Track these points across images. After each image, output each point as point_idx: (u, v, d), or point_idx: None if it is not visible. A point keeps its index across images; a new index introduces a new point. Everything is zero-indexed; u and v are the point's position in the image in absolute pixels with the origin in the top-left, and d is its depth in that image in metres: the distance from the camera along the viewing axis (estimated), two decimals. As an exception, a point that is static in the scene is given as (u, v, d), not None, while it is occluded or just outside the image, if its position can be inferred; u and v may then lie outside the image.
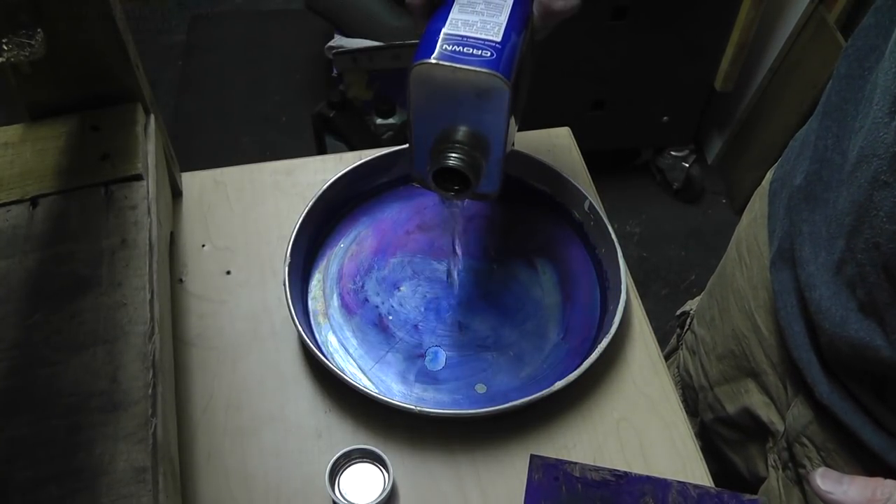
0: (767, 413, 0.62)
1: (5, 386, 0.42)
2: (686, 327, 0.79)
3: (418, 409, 0.51)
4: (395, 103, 1.59)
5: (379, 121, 1.58)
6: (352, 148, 1.49)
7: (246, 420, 0.55)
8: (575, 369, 0.53)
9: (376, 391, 0.53)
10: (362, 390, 0.52)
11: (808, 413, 0.55)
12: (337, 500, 0.49)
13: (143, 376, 0.42)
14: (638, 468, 0.53)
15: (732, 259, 0.68)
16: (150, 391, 0.42)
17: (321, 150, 1.60)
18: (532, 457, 0.48)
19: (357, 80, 1.60)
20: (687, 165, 1.80)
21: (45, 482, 0.38)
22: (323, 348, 0.57)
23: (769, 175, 0.66)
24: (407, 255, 0.64)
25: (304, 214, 0.61)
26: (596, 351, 0.53)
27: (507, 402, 0.51)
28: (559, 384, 0.52)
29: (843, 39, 1.44)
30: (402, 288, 0.61)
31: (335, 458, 0.50)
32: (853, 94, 0.47)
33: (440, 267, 0.63)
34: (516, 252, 0.64)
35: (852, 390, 0.49)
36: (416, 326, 0.59)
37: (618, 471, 0.47)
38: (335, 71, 1.66)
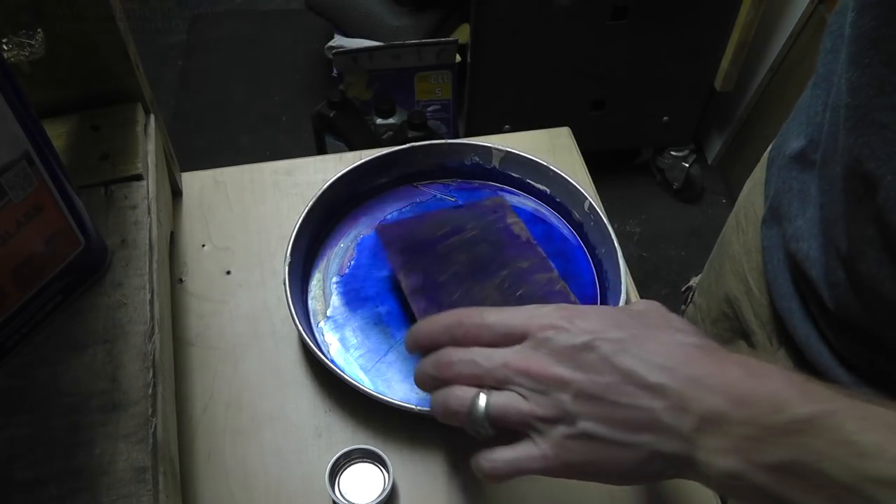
0: None
1: (5, 386, 0.42)
2: (689, 301, 0.80)
3: (418, 409, 0.51)
4: (395, 103, 1.59)
5: (379, 121, 1.58)
6: (352, 148, 1.49)
7: (246, 420, 0.55)
8: None
9: (376, 391, 0.53)
10: (363, 390, 0.52)
11: (789, 363, 0.56)
12: (337, 500, 0.49)
13: (143, 376, 0.42)
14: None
15: (731, 226, 0.69)
16: (150, 391, 0.42)
17: (321, 149, 1.60)
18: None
19: (357, 80, 1.60)
20: (687, 165, 1.80)
21: (45, 482, 0.38)
22: (323, 348, 0.57)
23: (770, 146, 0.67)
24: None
25: (304, 214, 0.61)
26: None
27: None
28: None
29: (843, 39, 1.44)
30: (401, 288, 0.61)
31: (335, 458, 0.50)
32: (836, 65, 0.48)
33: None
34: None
35: (828, 337, 0.51)
36: None
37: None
38: (335, 71, 1.66)
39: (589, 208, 0.62)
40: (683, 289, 0.83)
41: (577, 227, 0.65)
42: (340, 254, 0.64)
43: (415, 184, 0.68)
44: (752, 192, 0.66)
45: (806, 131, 0.52)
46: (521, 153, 0.66)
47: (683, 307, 0.82)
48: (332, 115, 1.52)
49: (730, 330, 0.67)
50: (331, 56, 1.63)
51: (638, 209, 1.82)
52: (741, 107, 1.75)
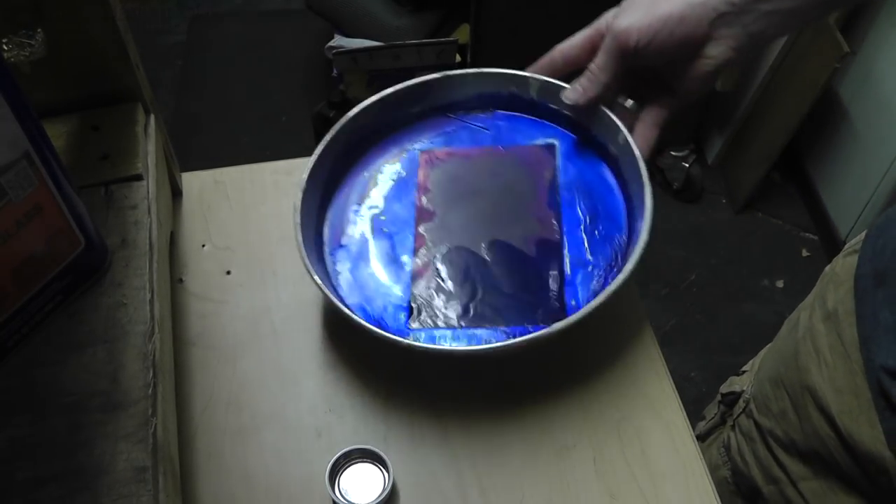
0: None
1: (5, 386, 0.42)
2: (740, 410, 0.74)
3: (408, 341, 0.51)
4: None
5: (379, 121, 1.58)
6: (352, 148, 1.48)
7: (246, 420, 0.55)
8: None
9: (379, 327, 0.52)
10: (364, 325, 0.51)
11: None
12: (337, 500, 0.49)
13: (143, 376, 0.42)
14: (638, 468, 0.53)
15: (807, 352, 0.62)
16: (150, 391, 0.42)
17: (321, 150, 1.60)
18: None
19: (357, 80, 1.60)
20: (687, 165, 1.80)
21: (45, 482, 0.38)
22: (332, 277, 0.56)
23: (841, 261, 0.61)
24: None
25: (325, 143, 0.59)
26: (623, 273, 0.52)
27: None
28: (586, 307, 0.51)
29: (843, 39, 1.44)
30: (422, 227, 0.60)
31: (335, 458, 0.50)
32: None
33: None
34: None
35: None
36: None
37: None
38: (335, 71, 1.66)
39: (623, 141, 0.59)
40: (725, 391, 0.77)
41: (614, 161, 0.61)
42: (364, 182, 0.62)
43: (449, 114, 0.66)
44: (835, 321, 0.59)
45: None
46: (558, 83, 0.61)
47: (723, 408, 0.76)
48: (332, 115, 1.52)
49: (825, 468, 0.61)
50: (331, 56, 1.63)
51: (638, 209, 1.82)
52: (741, 107, 1.75)
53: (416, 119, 0.65)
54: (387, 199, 0.62)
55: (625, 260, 0.55)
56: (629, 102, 0.60)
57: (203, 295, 0.61)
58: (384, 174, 0.63)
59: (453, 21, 1.75)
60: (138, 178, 0.52)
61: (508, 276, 0.57)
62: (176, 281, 0.62)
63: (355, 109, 0.62)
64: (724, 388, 0.77)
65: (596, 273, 0.57)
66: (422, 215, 0.60)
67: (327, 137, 0.60)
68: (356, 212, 0.61)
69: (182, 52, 2.23)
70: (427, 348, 0.52)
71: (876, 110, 1.48)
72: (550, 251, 0.58)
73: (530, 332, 0.51)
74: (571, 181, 0.62)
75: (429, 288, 0.56)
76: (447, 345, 0.53)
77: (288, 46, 2.23)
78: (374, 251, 0.59)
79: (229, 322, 0.60)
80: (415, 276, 0.57)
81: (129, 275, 0.47)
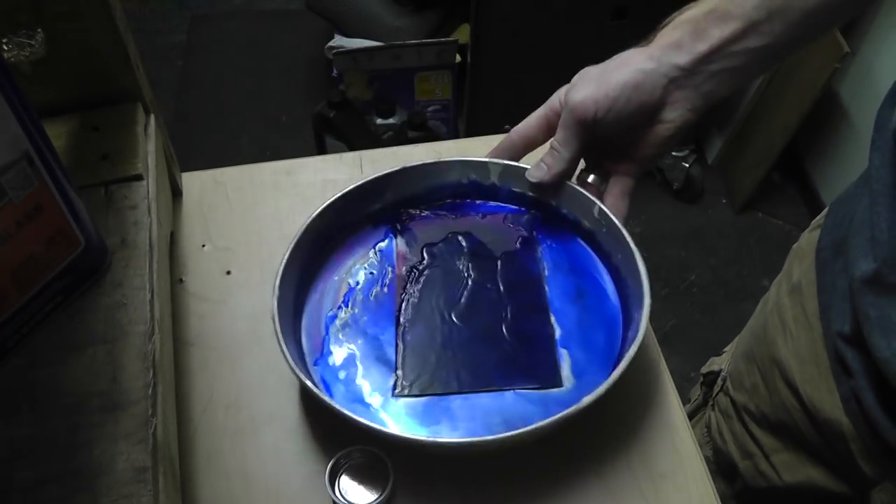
0: (838, 487, 0.60)
1: (5, 386, 0.42)
2: (718, 388, 0.75)
3: (430, 439, 0.49)
4: (395, 103, 1.59)
5: (379, 121, 1.58)
6: (352, 148, 1.48)
7: (246, 420, 0.55)
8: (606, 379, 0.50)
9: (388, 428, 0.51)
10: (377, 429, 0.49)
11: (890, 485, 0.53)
12: (337, 500, 0.49)
13: (143, 376, 0.42)
14: (638, 469, 0.53)
15: (774, 325, 0.64)
16: (150, 391, 0.42)
17: (321, 150, 1.60)
18: None
19: (357, 80, 1.60)
20: (687, 165, 1.80)
21: (45, 482, 0.38)
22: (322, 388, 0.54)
23: (806, 236, 0.63)
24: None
25: (290, 248, 0.56)
26: (627, 356, 0.50)
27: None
28: (587, 399, 0.48)
29: (843, 39, 1.44)
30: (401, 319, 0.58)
31: (335, 458, 0.50)
32: (894, 181, 0.46)
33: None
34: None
35: None
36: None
37: None
38: (335, 71, 1.66)
39: (599, 214, 0.58)
40: (705, 371, 0.79)
41: (589, 236, 0.60)
42: (335, 287, 0.59)
43: (411, 210, 0.63)
44: (798, 294, 0.61)
45: (874, 252, 0.48)
46: (520, 165, 0.61)
47: (705, 389, 0.79)
48: (332, 115, 1.52)
49: (793, 440, 0.63)
50: (331, 56, 1.63)
51: (638, 209, 1.82)
52: (741, 107, 1.75)
53: (378, 216, 0.63)
54: (361, 298, 0.59)
55: (627, 323, 0.55)
56: (591, 178, 0.60)
57: (203, 295, 0.61)
58: (354, 275, 0.60)
59: (453, 21, 1.75)
60: (138, 178, 0.52)
61: (501, 340, 0.56)
62: (176, 281, 0.62)
63: (315, 211, 0.58)
64: (704, 369, 0.80)
65: (594, 341, 0.56)
66: (402, 281, 0.59)
67: (293, 241, 0.56)
68: (332, 319, 0.57)
69: (182, 52, 2.23)
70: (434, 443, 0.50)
71: (876, 110, 1.48)
72: (539, 315, 0.57)
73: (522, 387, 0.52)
74: (548, 256, 0.61)
75: (410, 355, 0.55)
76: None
77: (288, 46, 2.23)
78: (360, 356, 0.56)
79: (229, 322, 0.60)
80: (398, 346, 0.56)
81: (129, 275, 0.47)
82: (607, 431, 0.54)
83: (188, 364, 0.57)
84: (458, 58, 1.58)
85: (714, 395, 0.77)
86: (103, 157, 0.53)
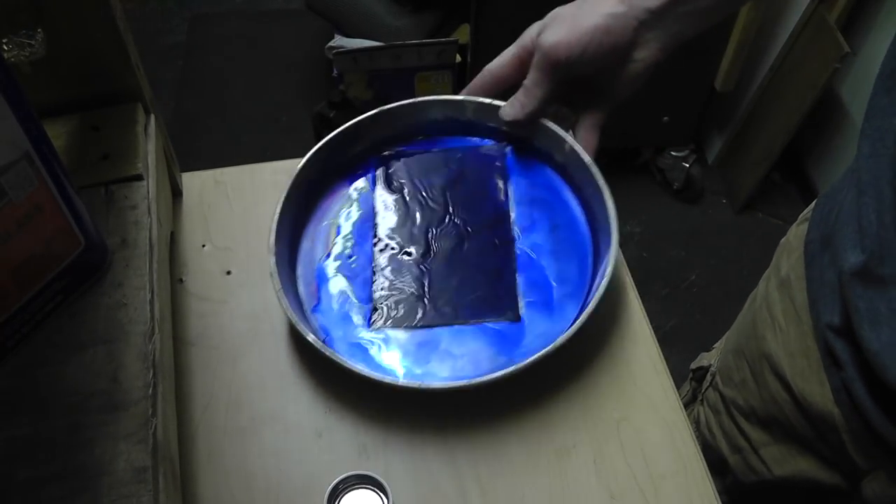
0: (829, 477, 0.60)
1: (6, 386, 0.42)
2: (707, 384, 0.76)
3: (403, 383, 0.52)
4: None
5: (379, 121, 1.58)
6: (352, 148, 1.48)
7: (246, 420, 0.55)
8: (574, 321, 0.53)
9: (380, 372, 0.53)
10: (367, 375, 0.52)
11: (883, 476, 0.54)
12: None
13: (143, 376, 0.42)
14: (638, 469, 0.53)
15: (763, 319, 0.65)
16: (150, 391, 0.42)
17: (321, 150, 1.59)
18: None
19: (357, 80, 1.60)
20: (687, 165, 1.80)
21: (45, 482, 0.38)
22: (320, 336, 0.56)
23: (794, 230, 0.64)
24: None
25: (281, 202, 0.59)
26: (593, 299, 0.53)
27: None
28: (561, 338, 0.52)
29: (843, 39, 1.44)
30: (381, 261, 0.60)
31: (334, 483, 0.49)
32: (883, 171, 0.46)
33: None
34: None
35: None
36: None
37: None
38: (335, 71, 1.66)
39: (570, 150, 0.60)
40: (694, 367, 0.80)
41: (561, 168, 0.63)
42: (325, 232, 0.62)
43: (389, 149, 0.66)
44: (787, 287, 0.62)
45: (862, 244, 0.48)
46: (493, 101, 0.63)
47: (695, 384, 0.80)
48: (332, 115, 1.52)
49: (783, 433, 0.63)
50: (331, 56, 1.63)
51: (638, 209, 1.82)
52: (741, 107, 1.75)
53: (361, 158, 0.66)
54: (352, 239, 0.62)
55: (599, 259, 0.57)
56: (564, 110, 0.62)
57: (203, 295, 0.61)
58: (340, 218, 0.63)
59: (453, 21, 1.74)
60: (138, 178, 0.52)
61: (465, 274, 0.59)
62: (176, 281, 0.62)
63: (305, 158, 0.62)
64: (693, 365, 0.81)
65: (570, 277, 0.58)
66: (380, 219, 0.62)
67: (282, 195, 0.59)
68: (324, 262, 0.60)
69: (182, 52, 2.23)
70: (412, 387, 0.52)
71: (876, 110, 1.48)
72: (505, 249, 0.59)
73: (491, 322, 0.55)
74: (523, 190, 0.63)
75: (385, 290, 0.58)
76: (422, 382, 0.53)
77: (288, 46, 2.23)
78: (351, 297, 0.58)
79: (229, 322, 0.60)
80: (374, 281, 0.59)
81: (129, 275, 0.47)
82: (607, 431, 0.54)
83: (188, 364, 0.57)
84: (458, 58, 1.58)
85: (703, 390, 0.78)
86: (103, 157, 0.53)
